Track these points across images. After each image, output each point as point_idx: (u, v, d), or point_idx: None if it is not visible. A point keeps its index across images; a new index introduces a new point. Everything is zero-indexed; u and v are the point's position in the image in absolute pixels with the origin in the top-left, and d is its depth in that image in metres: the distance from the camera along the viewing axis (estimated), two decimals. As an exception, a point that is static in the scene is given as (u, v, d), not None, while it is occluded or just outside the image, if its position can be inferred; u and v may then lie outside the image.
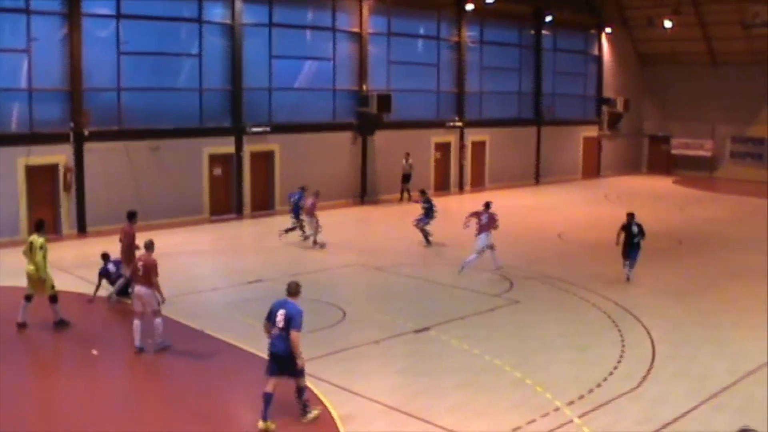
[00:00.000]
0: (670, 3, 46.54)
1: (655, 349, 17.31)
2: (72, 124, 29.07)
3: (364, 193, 38.00)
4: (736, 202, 41.82)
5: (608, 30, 51.91)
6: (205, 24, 32.79)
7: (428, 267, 25.24)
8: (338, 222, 32.47)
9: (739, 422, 13.36)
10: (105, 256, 21.02)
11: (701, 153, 52.85)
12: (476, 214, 24.41)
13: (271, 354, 13.15)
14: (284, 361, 12.98)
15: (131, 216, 20.47)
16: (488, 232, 24.12)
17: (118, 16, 30.26)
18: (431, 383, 15.13)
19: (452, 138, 42.84)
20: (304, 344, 16.60)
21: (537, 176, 47.67)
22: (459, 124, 42.85)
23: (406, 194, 38.15)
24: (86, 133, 29.19)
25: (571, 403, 14.17)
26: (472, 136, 43.77)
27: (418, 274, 24.11)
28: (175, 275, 23.36)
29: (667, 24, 48.21)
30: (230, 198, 33.94)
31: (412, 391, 14.74)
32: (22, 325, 18.03)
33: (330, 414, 13.51)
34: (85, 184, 29.43)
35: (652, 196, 41.50)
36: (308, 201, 27.93)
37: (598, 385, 15.08)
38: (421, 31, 41.77)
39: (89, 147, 29.37)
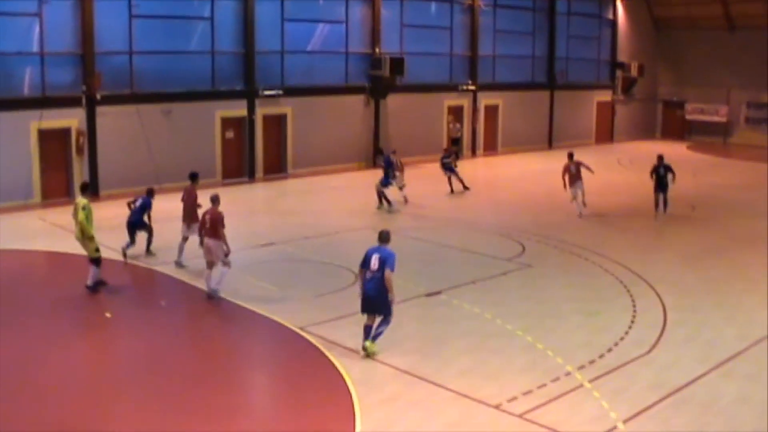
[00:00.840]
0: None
1: (667, 315, 17.32)
2: (84, 88, 29.10)
3: (376, 157, 37.96)
4: (750, 169, 41.61)
5: (622, -6, 51.56)
6: (216, -14, 32.69)
7: (440, 230, 25.24)
8: (350, 185, 32.50)
9: (747, 389, 13.49)
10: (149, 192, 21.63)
11: (716, 119, 52.56)
12: (566, 169, 26.47)
13: (364, 296, 14.79)
14: (375, 302, 14.68)
15: (193, 177, 21.24)
16: (580, 180, 26.92)
17: (130, -21, 30.20)
18: (442, 347, 15.19)
19: (465, 102, 42.69)
20: (315, 307, 16.73)
21: (550, 141, 47.53)
22: (472, 87, 42.69)
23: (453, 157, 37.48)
24: (98, 96, 29.22)
25: (581, 367, 14.21)
26: (485, 99, 43.63)
27: (430, 237, 24.12)
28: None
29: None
30: (242, 161, 33.98)
31: (423, 354, 14.81)
32: (91, 288, 18.01)
33: (342, 377, 13.58)
34: (97, 148, 29.51)
35: (666, 161, 41.24)
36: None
37: (609, 350, 15.11)
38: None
39: (101, 111, 29.42)
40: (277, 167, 35.00)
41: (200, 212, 19.35)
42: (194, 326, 16.43)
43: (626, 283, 19.73)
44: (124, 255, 20.93)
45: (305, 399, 12.99)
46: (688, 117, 53.83)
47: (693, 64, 53.51)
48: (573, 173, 27.29)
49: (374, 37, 37.80)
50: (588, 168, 27.79)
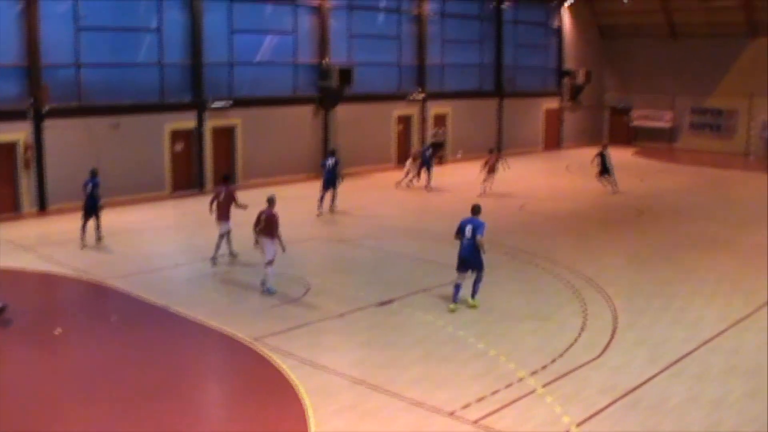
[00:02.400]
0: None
1: (617, 319, 17.56)
2: (31, 101, 28.74)
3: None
4: (695, 173, 42.26)
5: (569, 2, 52.04)
6: (165, -2, 32.53)
7: (392, 239, 25.29)
8: (301, 196, 32.45)
9: (696, 389, 13.72)
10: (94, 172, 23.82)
11: (661, 124, 53.28)
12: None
13: (460, 257, 18.16)
14: (468, 261, 18.06)
15: (228, 178, 23.38)
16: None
17: (77, -10, 29.93)
18: (396, 355, 15.25)
19: (414, 110, 42.83)
20: (268, 318, 16.76)
21: (499, 148, 47.76)
22: (421, 96, 42.84)
23: (437, 159, 39.57)
24: (45, 109, 28.86)
25: (534, 372, 14.35)
26: (434, 108, 43.80)
27: (382, 246, 24.18)
28: (137, 252, 23.37)
29: (627, -4, 48.54)
30: (191, 173, 33.77)
31: (376, 363, 14.85)
32: None
33: (295, 388, 13.58)
34: (44, 162, 29.14)
35: (614, 167, 41.77)
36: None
37: (561, 355, 15.28)
38: (382, 4, 41.63)
39: (49, 124, 29.05)
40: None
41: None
42: (146, 340, 16.31)
43: (576, 287, 19.95)
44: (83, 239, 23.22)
45: (258, 410, 12.96)
46: (634, 123, 54.49)
47: (638, 70, 54.25)
48: (491, 164, 34.00)
49: (323, 48, 37.80)
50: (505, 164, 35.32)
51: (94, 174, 23.99)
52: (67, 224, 26.72)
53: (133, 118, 31.32)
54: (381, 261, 22.70)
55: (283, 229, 26.33)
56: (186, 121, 33.20)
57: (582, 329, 16.84)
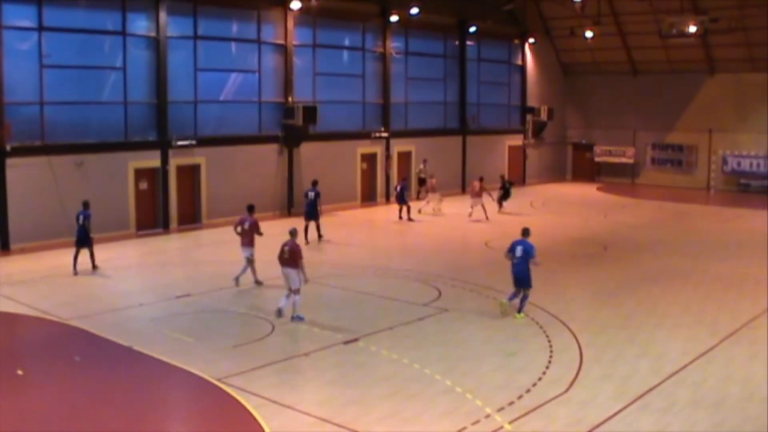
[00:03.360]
0: (591, 14, 47.41)
1: (582, 353, 17.60)
2: (-7, 140, 28.54)
3: (291, 206, 37.91)
4: (657, 207, 42.67)
5: (531, 40, 52.69)
6: (129, 36, 32.43)
7: (357, 277, 25.26)
8: (266, 234, 32.36)
9: (663, 422, 13.76)
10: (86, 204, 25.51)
11: (623, 160, 53.85)
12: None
13: (514, 276, 20.73)
14: (520, 280, 20.59)
15: (251, 208, 24.65)
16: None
17: (41, 28, 29.80)
18: (361, 394, 15.17)
19: (378, 149, 42.97)
20: (233, 358, 16.67)
21: (463, 185, 48.01)
22: (385, 134, 43.01)
23: (424, 194, 42.06)
24: (8, 148, 28.66)
25: (501, 409, 14.32)
26: (398, 146, 43.97)
27: (347, 284, 24.13)
28: (101, 291, 23.21)
29: (589, 34, 49.20)
30: (156, 212, 33.61)
31: (342, 402, 14.77)
32: None
33: (262, 428, 13.47)
34: (7, 201, 28.88)
35: (577, 203, 42.18)
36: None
37: (528, 391, 15.27)
38: (347, 43, 41.92)
39: (11, 162, 28.85)
40: (191, 217, 34.69)
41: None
42: (110, 380, 16.12)
43: (542, 323, 20.00)
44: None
45: (225, 451, 12.84)
46: (597, 159, 55.03)
47: (600, 107, 54.94)
48: (476, 191, 37.43)
49: (287, 86, 37.93)
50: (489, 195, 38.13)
51: (85, 206, 25.65)
52: (30, 264, 26.50)
53: (97, 157, 31.21)
54: (346, 299, 22.64)
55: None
56: (150, 160, 33.09)
57: (548, 365, 16.86)
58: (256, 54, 37.12)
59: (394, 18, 42.28)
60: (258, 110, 37.33)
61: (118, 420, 14.08)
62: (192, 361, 16.71)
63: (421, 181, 43.44)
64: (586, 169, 55.55)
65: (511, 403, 14.64)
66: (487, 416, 14.02)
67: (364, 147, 42.18)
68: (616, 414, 14.23)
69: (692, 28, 43.09)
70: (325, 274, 25.17)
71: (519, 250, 20.55)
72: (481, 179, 38.48)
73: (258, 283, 23.72)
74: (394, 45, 43.60)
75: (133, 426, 13.83)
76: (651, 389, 15.48)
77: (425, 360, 17.06)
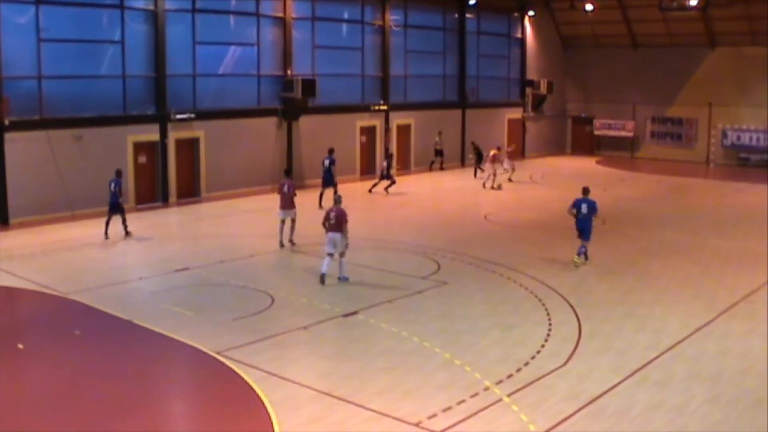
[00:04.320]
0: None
1: (581, 327, 17.67)
2: (-9, 114, 28.48)
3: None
4: (656, 181, 42.68)
5: (531, 13, 52.48)
6: (127, 10, 32.29)
7: (355, 251, 25.15)
8: (265, 208, 32.39)
9: (659, 396, 13.83)
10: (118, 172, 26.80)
11: (623, 133, 53.80)
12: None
13: (579, 229, 23.34)
14: (584, 232, 23.22)
15: (288, 172, 27.64)
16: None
17: (38, 2, 29.61)
18: (360, 367, 15.24)
19: (377, 122, 42.93)
20: (232, 331, 16.74)
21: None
22: (384, 107, 42.95)
23: (438, 165, 45.41)
24: (6, 122, 28.58)
25: (500, 382, 14.39)
26: (398, 119, 43.93)
27: (348, 258, 24.07)
28: (101, 265, 23.25)
29: (589, 7, 49.05)
30: (156, 186, 33.61)
31: (341, 375, 14.85)
32: None
33: (261, 400, 13.53)
34: (6, 176, 28.86)
35: (576, 176, 42.11)
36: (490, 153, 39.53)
37: (526, 364, 15.34)
38: (345, 16, 41.74)
39: (10, 137, 28.79)
40: (190, 191, 34.69)
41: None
42: (111, 354, 16.19)
43: (541, 296, 20.06)
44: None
45: (224, 424, 12.90)
46: (596, 132, 54.97)
47: (600, 80, 54.82)
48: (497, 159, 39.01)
49: (286, 59, 37.82)
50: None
51: (118, 174, 26.92)
52: (30, 238, 26.54)
53: (96, 131, 31.15)
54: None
55: (248, 240, 26.52)
56: (149, 134, 33.05)
57: (546, 338, 16.93)
58: (255, 27, 36.99)
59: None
60: (257, 83, 37.24)
61: (119, 393, 14.14)
62: (192, 335, 16.77)
63: (438, 153, 44.83)
64: (586, 143, 55.51)
65: (510, 375, 14.71)
66: (486, 389, 14.09)
67: (363, 120, 42.13)
68: (613, 387, 14.30)
69: (693, 1, 43.03)
70: (322, 248, 25.18)
71: (584, 208, 23.17)
72: (498, 148, 40.79)
73: (292, 242, 25.45)
74: (393, 18, 43.43)
75: (134, 399, 13.89)
76: (648, 363, 15.56)
77: (424, 333, 17.12)
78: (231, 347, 16.02)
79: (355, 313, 18.52)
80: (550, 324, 17.92)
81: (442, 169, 45.24)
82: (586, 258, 23.55)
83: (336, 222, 20.97)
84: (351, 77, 41.72)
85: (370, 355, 15.89)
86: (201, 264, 22.94)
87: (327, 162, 32.97)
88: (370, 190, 36.82)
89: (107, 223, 26.32)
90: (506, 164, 40.78)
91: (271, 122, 37.51)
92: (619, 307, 19.38)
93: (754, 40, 48.67)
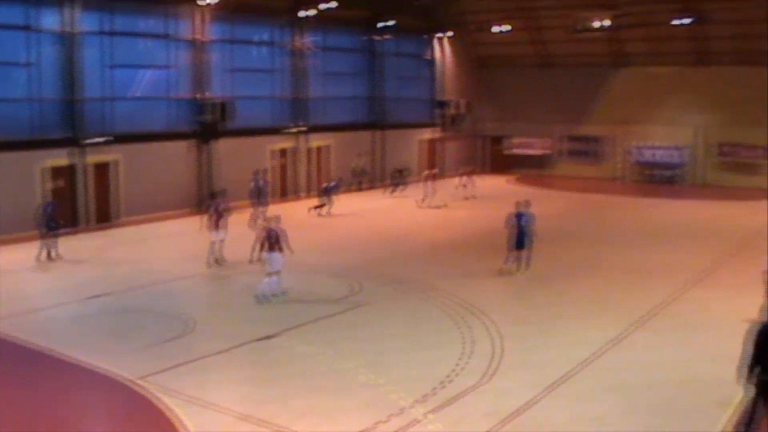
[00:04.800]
0: (504, 8, 47.98)
1: (498, 344, 17.91)
2: None
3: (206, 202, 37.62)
4: (569, 198, 43.44)
5: (445, 34, 53.04)
6: (39, 32, 31.84)
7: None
8: (182, 232, 32.19)
9: (577, 409, 14.09)
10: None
11: (537, 152, 54.68)
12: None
13: (517, 240, 24.50)
14: (522, 242, 24.54)
15: (221, 193, 27.69)
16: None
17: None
18: (281, 390, 15.23)
19: (294, 144, 42.89)
20: (151, 357, 16.57)
21: (379, 179, 48.20)
22: (300, 129, 42.94)
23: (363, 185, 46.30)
24: None
25: (419, 401, 14.51)
26: (314, 141, 43.96)
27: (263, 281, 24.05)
28: (16, 292, 22.75)
29: (501, 28, 49.72)
30: (71, 211, 33.01)
31: (262, 398, 14.82)
32: None
33: (182, 427, 13.45)
34: None
35: (493, 195, 42.67)
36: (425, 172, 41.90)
37: (445, 382, 15.49)
38: (260, 38, 41.73)
39: None
40: (107, 215, 34.19)
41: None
42: (27, 384, 15.90)
43: (458, 315, 20.26)
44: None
45: (144, 451, 12.80)
46: (512, 151, 55.72)
47: (514, 100, 55.59)
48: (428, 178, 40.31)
49: (201, 82, 37.62)
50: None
51: (52, 198, 28.77)
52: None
53: (6, 155, 30.54)
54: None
55: (167, 264, 26.27)
56: (63, 158, 32.52)
57: (465, 356, 17.12)
58: (170, 50, 36.77)
59: (308, 13, 42.20)
60: (172, 106, 36.96)
61: (37, 424, 13.91)
62: (110, 362, 16.56)
63: (356, 175, 45.33)
64: (502, 161, 56.18)
65: (429, 394, 14.84)
66: (405, 408, 14.20)
67: (279, 142, 42.06)
68: (531, 402, 14.54)
69: (600, 23, 43.93)
70: (241, 271, 25.11)
71: (523, 220, 24.69)
72: (432, 167, 43.12)
73: (219, 262, 26.02)
74: (308, 40, 43.53)
75: (53, 429, 13.68)
76: (566, 377, 15.86)
77: (343, 354, 17.18)
78: (150, 373, 15.87)
79: (274, 335, 18.50)
80: (468, 341, 18.11)
81: (360, 189, 45.41)
82: (528, 266, 24.82)
83: (275, 241, 21.49)
84: (267, 99, 41.68)
85: (290, 378, 15.88)
86: (120, 289, 22.68)
87: (254, 184, 33.57)
88: (312, 210, 37.20)
89: (43, 247, 26.76)
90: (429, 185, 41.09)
91: (186, 145, 37.22)
92: (535, 323, 19.70)
93: (659, 60, 50.16)
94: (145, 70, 36.20)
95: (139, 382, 15.46)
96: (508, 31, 50.15)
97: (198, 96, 37.41)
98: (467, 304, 21.26)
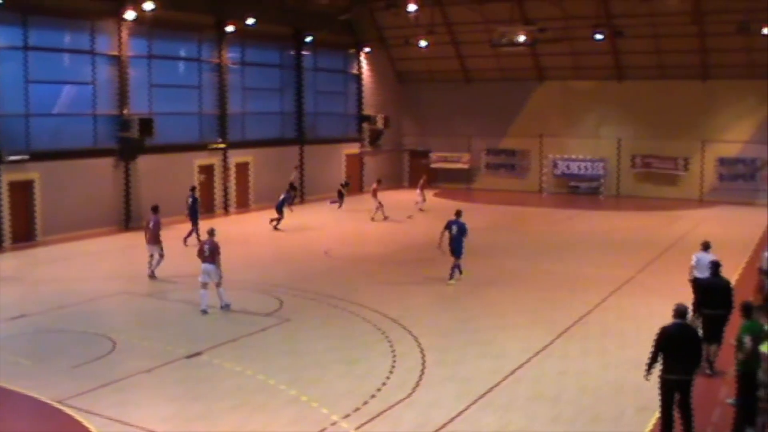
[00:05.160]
0: (425, 24, 48.34)
1: (425, 357, 17.99)
2: None
3: (129, 220, 37.14)
4: (492, 211, 43.86)
5: (367, 49, 53.27)
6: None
7: (197, 291, 24.91)
8: (105, 250, 31.73)
9: (505, 418, 14.22)
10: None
11: (459, 165, 55.15)
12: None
13: (451, 247, 25.55)
14: (456, 250, 25.47)
15: (155, 209, 27.05)
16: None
17: None
18: (207, 408, 15.08)
19: (216, 160, 42.59)
20: (73, 378, 16.28)
21: (302, 195, 48.07)
22: (222, 145, 42.68)
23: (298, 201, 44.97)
24: None
25: (347, 416, 14.51)
26: (236, 157, 43.68)
27: (187, 298, 23.77)
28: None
29: (423, 43, 50.07)
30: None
31: (187, 417, 14.66)
32: None
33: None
34: None
35: (415, 209, 42.87)
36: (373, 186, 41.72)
37: (373, 396, 15.52)
38: (183, 53, 41.43)
39: None
40: (26, 235, 33.49)
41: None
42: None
43: (384, 328, 20.32)
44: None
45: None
46: (433, 165, 56.09)
47: (435, 114, 56.06)
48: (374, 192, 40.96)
49: (122, 98, 37.14)
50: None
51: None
52: None
53: None
54: (188, 313, 22.33)
55: (88, 284, 25.85)
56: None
57: (392, 370, 17.16)
58: (91, 65, 36.17)
59: (229, 28, 42.01)
60: (93, 123, 36.36)
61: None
62: (31, 385, 16.21)
63: (292, 187, 43.94)
64: (423, 176, 56.44)
65: (357, 409, 14.85)
66: (334, 423, 14.19)
67: (201, 158, 41.71)
68: (459, 414, 14.66)
69: (522, 38, 44.50)
70: (165, 289, 24.87)
71: (455, 229, 25.46)
72: (378, 181, 42.98)
73: (152, 276, 26.24)
74: (230, 55, 43.33)
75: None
76: (492, 388, 16.02)
77: (269, 371, 17.10)
78: (72, 395, 15.57)
79: (199, 353, 18.33)
80: (394, 355, 18.18)
81: (292, 205, 45.10)
82: (461, 272, 25.74)
83: (210, 254, 21.96)
84: (189, 115, 41.33)
85: (216, 396, 15.75)
86: (39, 310, 22.24)
87: (190, 200, 33.54)
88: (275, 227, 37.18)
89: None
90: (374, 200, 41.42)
91: (108, 162, 36.64)
92: (461, 335, 19.84)
93: (578, 74, 51.14)
94: (67, 86, 35.61)
95: (59, 404, 15.15)
96: (428, 46, 50.45)
97: (121, 112, 36.93)
98: (395, 317, 21.33)
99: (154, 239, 26.25)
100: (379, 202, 40.72)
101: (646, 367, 13.58)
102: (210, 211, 41.34)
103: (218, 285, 22.12)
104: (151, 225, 26.41)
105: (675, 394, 13.31)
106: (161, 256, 26.33)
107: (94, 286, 25.63)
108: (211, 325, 21.01)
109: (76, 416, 14.57)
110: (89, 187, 35.57)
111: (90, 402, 15.21)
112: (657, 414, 13.90)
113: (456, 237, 25.51)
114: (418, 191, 44.43)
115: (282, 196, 37.97)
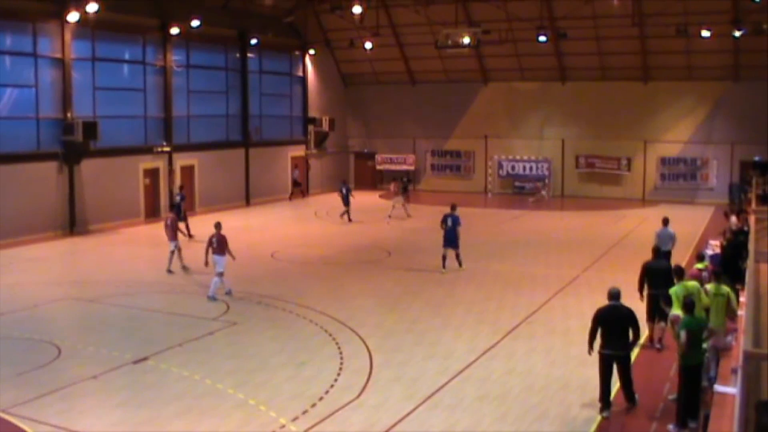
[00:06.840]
0: (370, 26, 48.46)
1: (372, 358, 18.06)
2: None
3: (74, 224, 36.71)
4: (438, 213, 43.84)
5: (312, 52, 53.22)
6: None
7: (142, 295, 24.82)
8: (47, 256, 31.32)
9: (452, 418, 14.34)
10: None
11: (404, 167, 55.32)
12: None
13: (445, 239, 27.66)
14: (451, 242, 27.58)
15: (173, 206, 30.95)
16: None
17: None
18: (154, 413, 14.99)
19: (161, 163, 42.27)
20: (17, 386, 16.10)
21: (247, 197, 47.95)
22: (167, 149, 42.38)
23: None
24: None
25: (295, 419, 14.52)
26: (181, 160, 43.39)
27: (134, 303, 23.64)
28: None
29: (368, 45, 50.18)
30: None
31: (135, 423, 14.56)
32: None
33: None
34: None
35: (360, 210, 42.87)
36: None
37: (321, 399, 15.54)
38: (127, 56, 40.97)
39: None
40: (-36, 241, 32.99)
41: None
42: None
43: (331, 331, 20.35)
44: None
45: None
46: (378, 167, 56.28)
47: (381, 116, 56.26)
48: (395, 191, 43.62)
49: (66, 101, 36.65)
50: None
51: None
52: None
53: None
54: (134, 318, 22.16)
55: (31, 289, 25.47)
56: None
57: (339, 372, 17.20)
58: (33, 68, 35.66)
59: (174, 31, 41.70)
60: (36, 127, 35.81)
61: None
62: (-23, 393, 16.00)
63: (296, 183, 47.25)
64: (369, 178, 56.66)
65: (305, 412, 14.87)
66: (282, 427, 14.20)
67: (146, 162, 41.36)
68: (407, 415, 14.73)
69: (466, 40, 44.77)
70: (111, 294, 24.64)
71: (450, 221, 27.48)
72: (396, 180, 45.71)
73: (185, 268, 28.08)
74: (175, 58, 43.03)
75: None
76: (440, 388, 16.13)
77: (217, 375, 17.04)
78: (16, 404, 15.35)
79: (145, 358, 18.19)
80: (341, 357, 18.22)
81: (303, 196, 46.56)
82: (461, 264, 27.73)
83: (218, 246, 24.00)
84: (133, 119, 40.95)
85: (164, 401, 15.66)
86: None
87: (178, 198, 35.28)
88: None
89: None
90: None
91: (51, 167, 36.14)
92: (408, 336, 19.93)
93: (522, 75, 51.63)
94: (8, 89, 35.06)
95: (3, 413, 14.93)
96: (373, 48, 50.57)
97: (65, 116, 36.46)
98: (342, 319, 21.38)
99: (173, 235, 28.16)
100: (403, 202, 42.53)
101: (588, 345, 15.11)
102: (155, 215, 40.93)
103: (220, 275, 23.83)
104: (169, 222, 28.59)
105: (613, 367, 14.72)
106: (180, 250, 28.21)
107: (37, 291, 25.27)
108: (157, 330, 20.86)
109: (21, 425, 14.38)
110: (32, 191, 35.03)
111: (35, 410, 15.03)
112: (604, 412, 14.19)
113: (450, 229, 27.43)
114: (393, 199, 43.57)
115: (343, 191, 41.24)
